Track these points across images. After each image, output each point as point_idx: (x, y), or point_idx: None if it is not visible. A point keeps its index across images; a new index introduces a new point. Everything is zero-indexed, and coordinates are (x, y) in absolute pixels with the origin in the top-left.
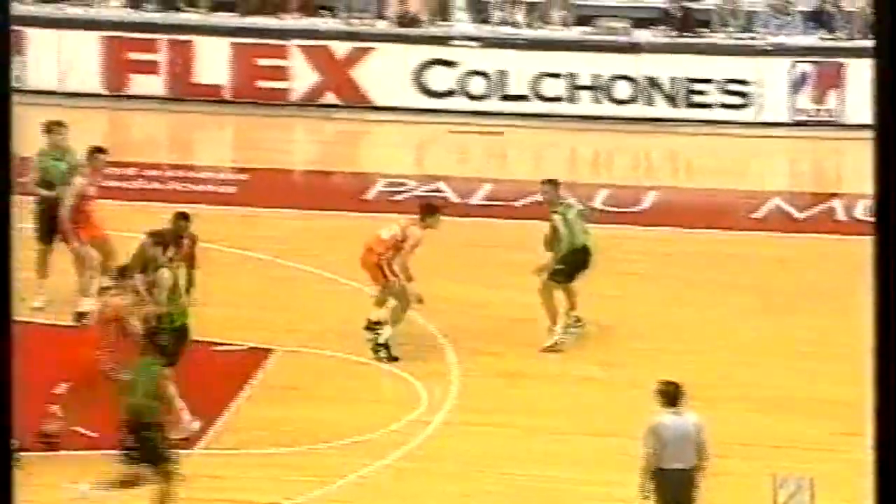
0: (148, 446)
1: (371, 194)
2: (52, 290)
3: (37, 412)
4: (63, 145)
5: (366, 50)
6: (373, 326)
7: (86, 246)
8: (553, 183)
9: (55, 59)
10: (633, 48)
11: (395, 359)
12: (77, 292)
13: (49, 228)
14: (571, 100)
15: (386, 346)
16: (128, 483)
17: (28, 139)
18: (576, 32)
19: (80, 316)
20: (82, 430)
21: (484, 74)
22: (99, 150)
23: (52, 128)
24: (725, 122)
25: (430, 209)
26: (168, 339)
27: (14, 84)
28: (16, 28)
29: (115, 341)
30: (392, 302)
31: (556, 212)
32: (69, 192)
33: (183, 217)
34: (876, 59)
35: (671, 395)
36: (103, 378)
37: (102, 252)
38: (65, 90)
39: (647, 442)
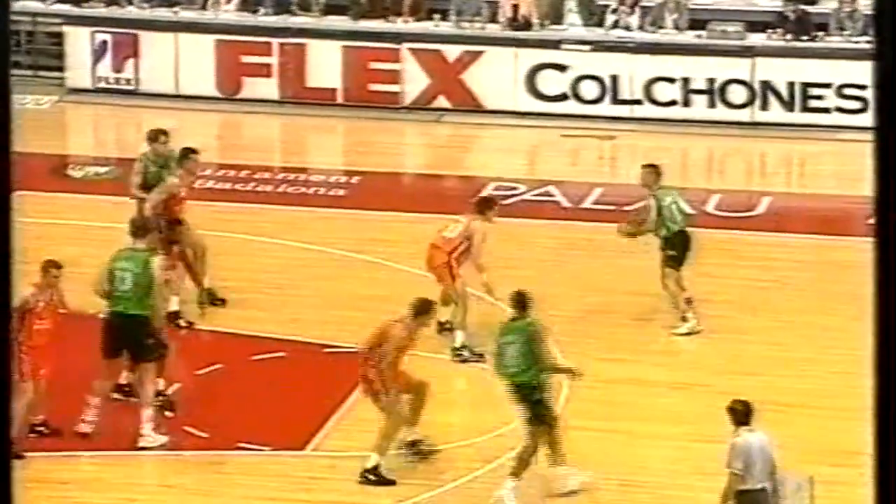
0: (537, 410)
1: None
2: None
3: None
4: (165, 153)
5: (477, 53)
6: (447, 326)
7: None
8: (653, 168)
9: (170, 63)
10: (748, 52)
11: (481, 356)
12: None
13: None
14: (685, 104)
15: (464, 347)
16: (525, 459)
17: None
18: (689, 36)
19: (173, 316)
20: (194, 430)
21: (596, 78)
22: (191, 150)
23: (156, 136)
24: (842, 126)
25: (487, 203)
26: None
27: (129, 87)
28: (131, 31)
29: None
30: (453, 306)
31: (653, 195)
32: (157, 190)
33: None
34: (876, 59)
35: (743, 414)
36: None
37: (194, 252)
38: (179, 93)
39: (732, 463)
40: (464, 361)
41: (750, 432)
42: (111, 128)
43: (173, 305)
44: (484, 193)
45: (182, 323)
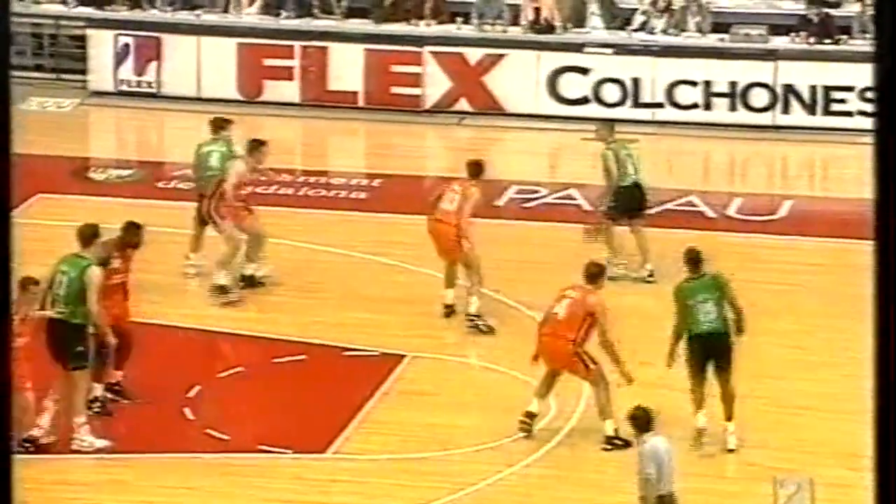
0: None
1: (503, 201)
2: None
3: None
4: (227, 139)
5: (499, 56)
6: (451, 309)
7: (232, 227)
8: (608, 122)
9: (192, 66)
10: (770, 55)
11: (491, 328)
12: (218, 263)
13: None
14: (706, 107)
15: (478, 315)
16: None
17: (168, 143)
18: (712, 39)
19: (220, 289)
20: (215, 433)
21: (617, 81)
22: (259, 142)
23: (221, 123)
24: (865, 130)
25: (478, 167)
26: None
27: (151, 90)
28: (154, 34)
29: None
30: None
31: (609, 148)
32: (229, 173)
33: (135, 227)
34: (876, 59)
35: (645, 420)
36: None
37: (252, 236)
38: (201, 96)
39: (645, 469)
40: (475, 327)
41: (655, 437)
42: (133, 130)
43: (248, 270)
44: (474, 159)
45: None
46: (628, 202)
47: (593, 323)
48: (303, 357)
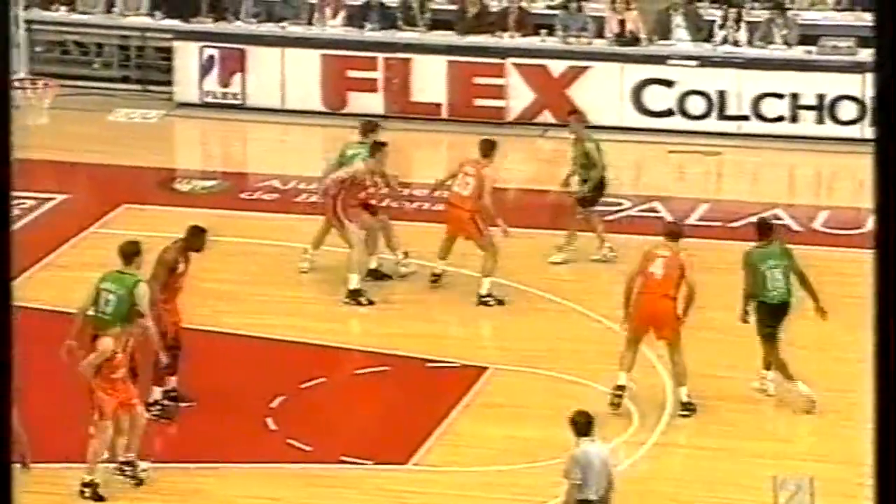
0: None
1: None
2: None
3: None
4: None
5: (583, 69)
6: (485, 298)
7: (352, 224)
8: (580, 114)
9: (277, 78)
10: (859, 68)
11: (501, 302)
12: (348, 269)
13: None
14: (793, 120)
15: (489, 295)
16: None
17: (252, 154)
18: (799, 51)
19: (354, 294)
20: (297, 444)
21: (703, 94)
22: (382, 144)
23: (370, 127)
24: None
25: (490, 145)
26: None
27: (236, 101)
28: (238, 46)
29: None
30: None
31: (591, 141)
32: (344, 169)
33: (199, 230)
34: (876, 56)
35: (584, 425)
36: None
37: (370, 234)
38: (285, 108)
39: (571, 473)
40: (485, 304)
41: (591, 443)
42: (217, 142)
43: (372, 263)
44: (489, 138)
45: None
46: (602, 193)
47: (682, 277)
48: (385, 368)
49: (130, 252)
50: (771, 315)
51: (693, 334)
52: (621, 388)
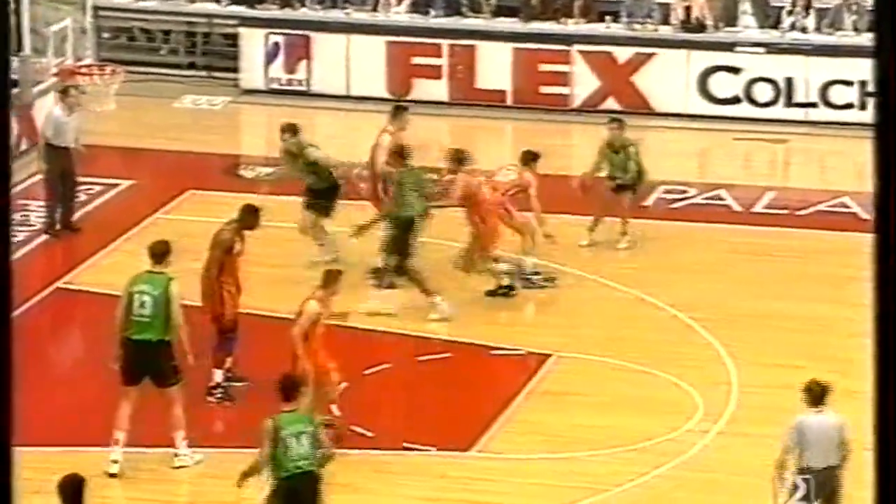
0: None
1: (650, 201)
2: None
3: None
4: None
5: (648, 55)
6: (528, 277)
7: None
8: (621, 122)
9: (342, 64)
10: None
11: (553, 279)
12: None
13: None
14: (861, 107)
15: (536, 273)
16: None
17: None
18: (868, 38)
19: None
20: (360, 430)
21: (770, 81)
22: (402, 107)
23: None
24: None
25: (533, 155)
26: None
27: (301, 88)
28: (304, 33)
29: None
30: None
31: (633, 146)
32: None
33: (254, 209)
34: (876, 57)
35: (817, 395)
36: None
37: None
38: (350, 94)
39: (786, 437)
40: (537, 287)
41: (816, 413)
42: None
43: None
44: (529, 149)
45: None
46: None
47: None
48: (448, 355)
49: (161, 252)
50: None
51: (759, 323)
52: None
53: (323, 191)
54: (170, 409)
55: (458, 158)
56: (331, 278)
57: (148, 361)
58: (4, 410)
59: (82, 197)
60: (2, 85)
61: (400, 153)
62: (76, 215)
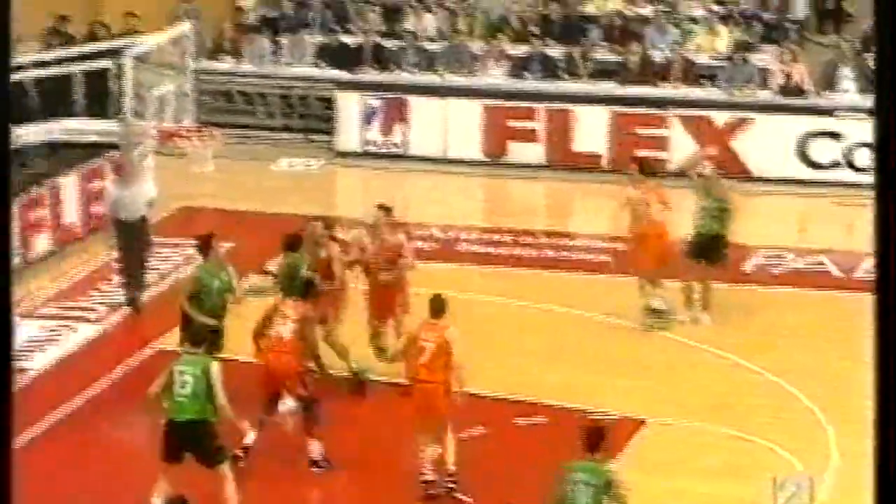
0: None
1: (749, 266)
2: None
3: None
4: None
5: (746, 120)
6: (657, 311)
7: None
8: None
9: (438, 127)
10: None
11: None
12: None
13: None
14: None
15: (664, 310)
16: None
17: (413, 202)
18: None
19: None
20: (459, 495)
21: (870, 146)
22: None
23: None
24: None
25: (648, 163)
26: None
27: (397, 150)
28: (400, 96)
29: None
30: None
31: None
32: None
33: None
34: (876, 116)
35: None
36: None
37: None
38: (446, 157)
39: None
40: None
41: None
42: (379, 190)
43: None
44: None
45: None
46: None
47: None
48: (544, 419)
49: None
50: None
51: (860, 388)
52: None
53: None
54: (222, 489)
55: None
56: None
57: (190, 440)
58: (4, 411)
59: (177, 259)
60: (2, 86)
61: None
62: (145, 295)
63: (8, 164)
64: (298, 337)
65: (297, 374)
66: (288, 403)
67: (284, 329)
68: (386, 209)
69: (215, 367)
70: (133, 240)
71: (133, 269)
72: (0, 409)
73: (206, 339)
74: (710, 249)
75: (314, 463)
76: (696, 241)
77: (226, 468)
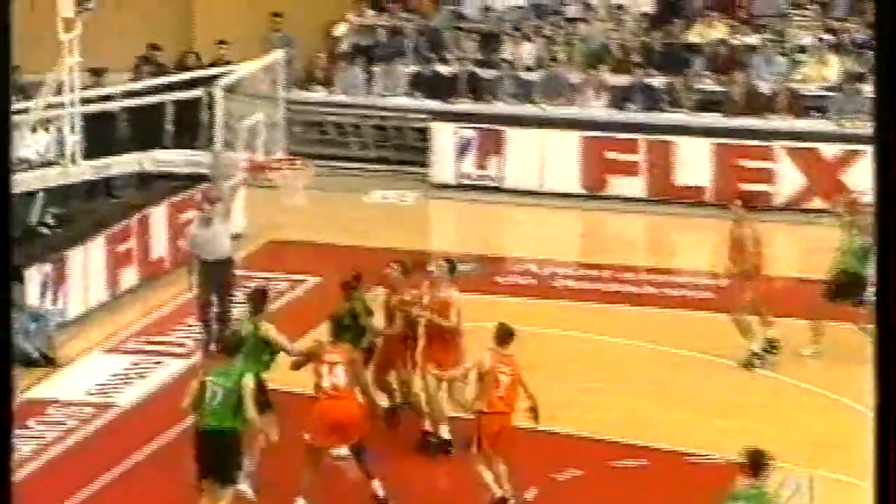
0: None
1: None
2: None
3: None
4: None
5: (857, 153)
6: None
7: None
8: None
9: (535, 159)
10: None
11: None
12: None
13: None
14: None
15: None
16: None
17: (509, 237)
18: None
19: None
20: None
21: None
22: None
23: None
24: None
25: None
26: None
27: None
28: (496, 127)
29: None
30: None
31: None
32: None
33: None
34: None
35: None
36: None
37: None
38: (543, 190)
39: None
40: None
41: None
42: (473, 224)
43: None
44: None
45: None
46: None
47: None
48: (643, 462)
49: (233, 345)
50: None
51: None
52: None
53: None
54: None
55: None
56: None
57: (213, 451)
58: (4, 412)
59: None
60: (2, 87)
61: None
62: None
63: (8, 161)
64: (353, 382)
65: (360, 421)
66: (342, 451)
67: (337, 375)
68: (450, 264)
69: (248, 381)
70: (216, 281)
71: (217, 310)
72: (0, 409)
73: (238, 348)
74: (851, 289)
75: (380, 501)
76: (838, 279)
77: (231, 493)
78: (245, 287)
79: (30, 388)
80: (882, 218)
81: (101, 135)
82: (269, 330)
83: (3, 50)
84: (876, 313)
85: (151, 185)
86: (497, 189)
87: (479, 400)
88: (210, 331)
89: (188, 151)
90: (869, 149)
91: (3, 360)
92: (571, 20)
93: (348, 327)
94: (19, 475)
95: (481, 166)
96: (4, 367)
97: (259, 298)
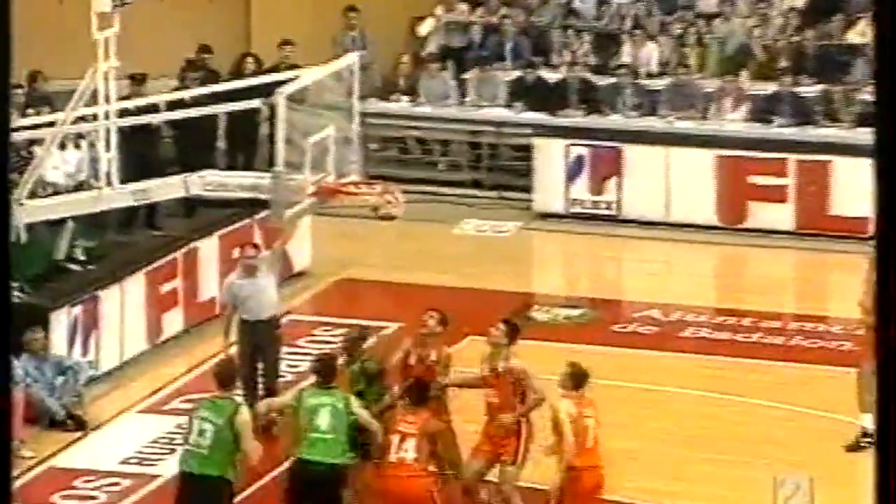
0: None
1: None
2: None
3: None
4: None
5: None
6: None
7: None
8: None
9: (660, 183)
10: None
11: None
12: None
13: None
14: None
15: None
16: None
17: (628, 277)
18: None
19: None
20: None
21: None
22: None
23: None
24: None
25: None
26: None
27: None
28: (614, 145)
29: None
30: None
31: None
32: None
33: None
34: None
35: None
36: None
37: None
38: (669, 220)
39: None
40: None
41: None
42: (586, 261)
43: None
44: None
45: None
46: None
47: None
48: None
49: (227, 375)
50: None
51: None
52: None
53: None
54: None
55: None
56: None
57: (204, 500)
58: (4, 413)
59: (339, 343)
60: (2, 88)
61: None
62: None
63: (6, 164)
64: (425, 456)
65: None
66: None
67: (406, 449)
68: (510, 326)
69: (244, 414)
70: (261, 343)
71: (263, 378)
72: (0, 408)
73: (234, 380)
74: None
75: None
76: None
77: None
78: (312, 337)
79: (55, 454)
80: (882, 224)
81: (141, 153)
82: (360, 416)
83: (2, 50)
84: (877, 311)
85: (200, 214)
86: (613, 219)
87: (559, 453)
88: (255, 407)
89: (243, 173)
90: None
91: (3, 353)
92: (705, 16)
93: (361, 394)
94: None
95: (595, 192)
96: (4, 356)
97: (328, 371)
